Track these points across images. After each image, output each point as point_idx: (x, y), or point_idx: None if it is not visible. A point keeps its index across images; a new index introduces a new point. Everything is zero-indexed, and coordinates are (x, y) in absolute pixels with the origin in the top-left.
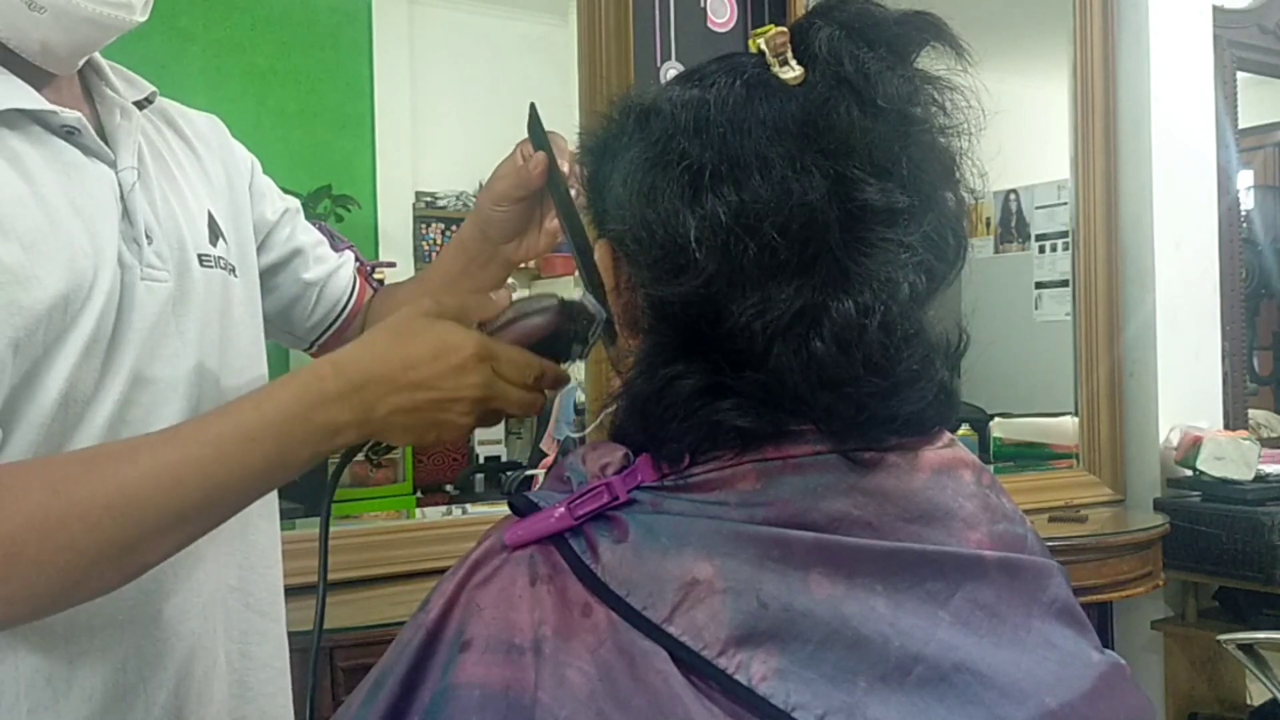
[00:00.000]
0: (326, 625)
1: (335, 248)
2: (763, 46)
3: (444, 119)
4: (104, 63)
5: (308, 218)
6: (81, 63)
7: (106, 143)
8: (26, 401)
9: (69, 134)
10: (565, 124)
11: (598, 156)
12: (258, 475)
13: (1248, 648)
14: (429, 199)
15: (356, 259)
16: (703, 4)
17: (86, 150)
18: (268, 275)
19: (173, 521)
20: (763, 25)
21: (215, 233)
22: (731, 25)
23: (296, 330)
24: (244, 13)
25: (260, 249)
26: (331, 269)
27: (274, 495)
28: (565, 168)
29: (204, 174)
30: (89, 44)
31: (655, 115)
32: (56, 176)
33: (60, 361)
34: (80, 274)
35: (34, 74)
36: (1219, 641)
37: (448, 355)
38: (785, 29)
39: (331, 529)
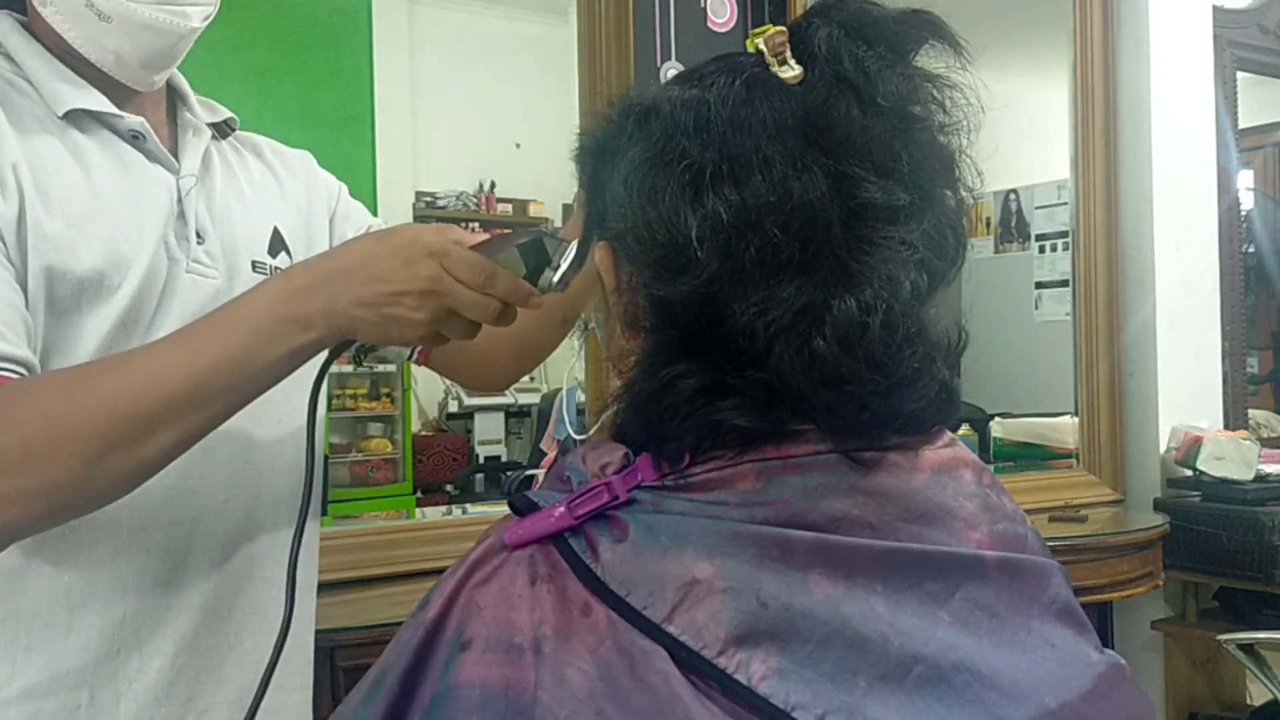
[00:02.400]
0: (326, 625)
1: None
2: (761, 46)
3: (444, 119)
4: (189, 91)
5: None
6: (160, 80)
7: (176, 155)
8: (61, 364)
9: (134, 138)
10: (565, 124)
11: (598, 157)
12: (236, 365)
13: (1248, 648)
14: (429, 199)
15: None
16: (703, 4)
17: (150, 155)
18: None
19: (165, 413)
20: (762, 25)
21: (278, 245)
22: (731, 25)
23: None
24: (244, 13)
25: None
26: None
27: (317, 488)
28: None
29: (281, 194)
30: (156, 53)
31: (655, 115)
32: (113, 170)
33: (93, 330)
34: (119, 255)
35: (120, 94)
36: (1219, 641)
37: (402, 249)
38: (784, 28)
39: (331, 529)
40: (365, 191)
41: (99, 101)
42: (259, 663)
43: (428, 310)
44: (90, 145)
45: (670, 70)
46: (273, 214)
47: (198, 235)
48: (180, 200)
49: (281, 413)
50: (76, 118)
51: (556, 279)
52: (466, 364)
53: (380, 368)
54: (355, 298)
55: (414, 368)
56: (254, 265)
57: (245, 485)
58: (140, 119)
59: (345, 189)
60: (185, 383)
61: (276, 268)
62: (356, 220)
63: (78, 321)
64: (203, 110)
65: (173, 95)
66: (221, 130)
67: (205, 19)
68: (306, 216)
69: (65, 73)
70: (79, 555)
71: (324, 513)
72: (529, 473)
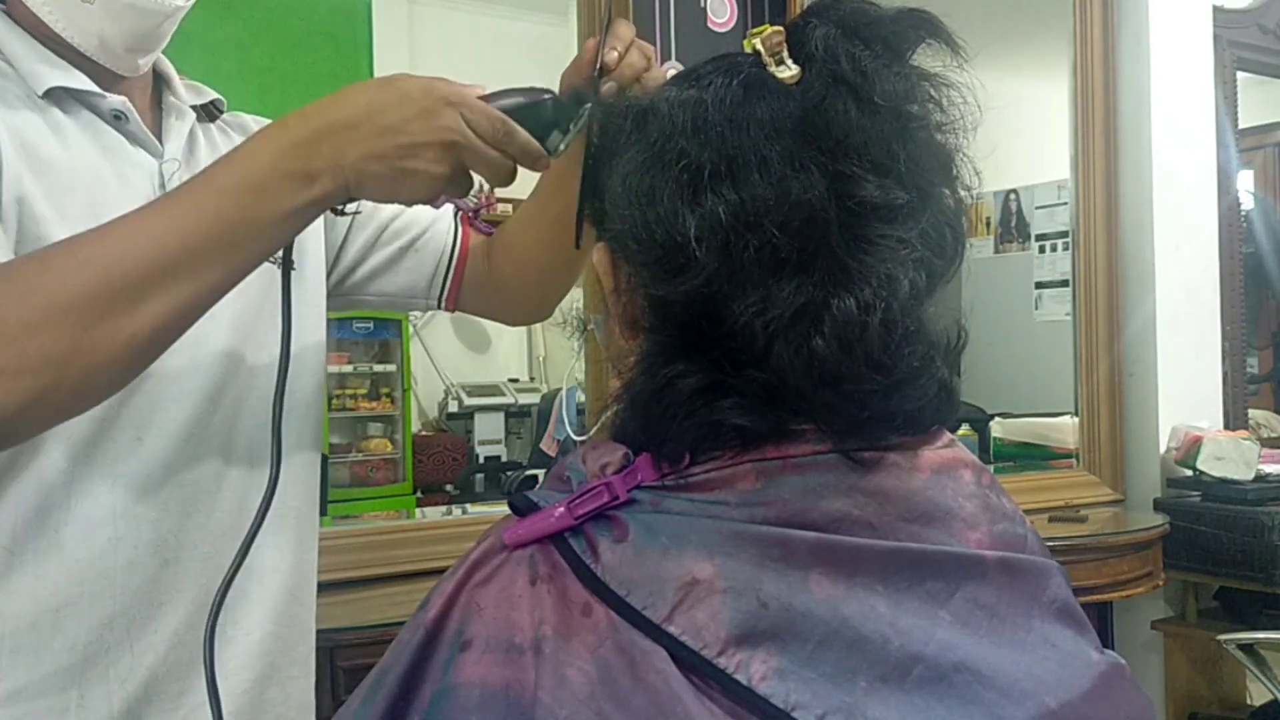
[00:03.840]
0: (326, 625)
1: (435, 204)
2: (759, 46)
3: None
4: (174, 75)
5: None
6: (145, 63)
7: (161, 140)
8: None
9: (116, 119)
10: None
11: (597, 158)
12: (233, 227)
13: (1248, 648)
14: None
15: (458, 208)
16: (703, 4)
17: (132, 138)
18: (365, 256)
19: (153, 277)
20: (762, 25)
21: None
22: (731, 25)
23: (419, 294)
24: (244, 13)
25: (347, 238)
26: (424, 226)
27: (315, 488)
28: (614, 59)
29: None
30: (140, 34)
31: (653, 116)
32: (92, 151)
33: None
34: None
35: (104, 79)
36: (1219, 641)
37: (417, 99)
38: (781, 29)
39: (331, 529)
40: None
41: (80, 80)
42: (251, 655)
43: (448, 163)
44: (71, 125)
45: (670, 70)
46: None
47: None
48: (164, 185)
49: (268, 394)
50: (57, 96)
51: (564, 145)
52: (501, 300)
53: (379, 367)
54: (366, 150)
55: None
56: None
57: (236, 473)
58: (123, 99)
59: None
60: (176, 246)
61: None
62: None
63: None
64: (187, 92)
65: (158, 81)
66: (209, 113)
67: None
68: None
69: (47, 55)
70: (65, 553)
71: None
72: (529, 473)
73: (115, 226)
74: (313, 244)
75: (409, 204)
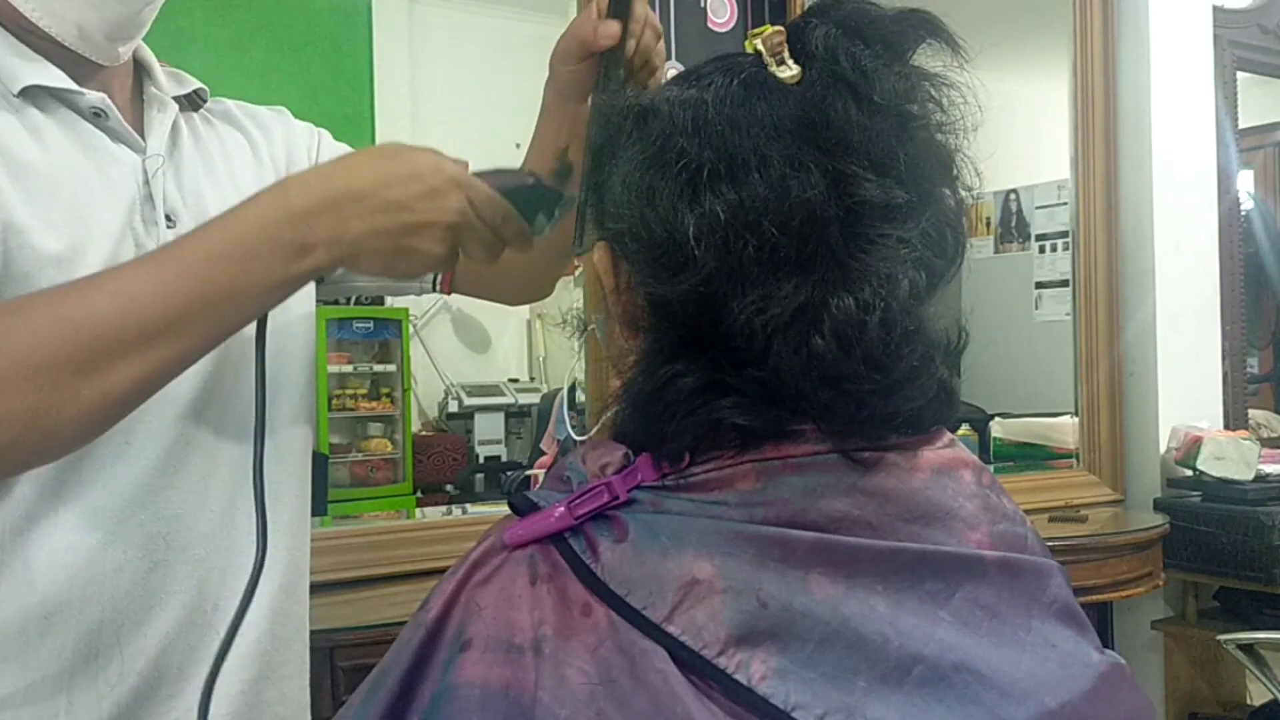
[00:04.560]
0: (326, 625)
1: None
2: (759, 47)
3: (444, 119)
4: (155, 64)
5: None
6: (125, 52)
7: (143, 134)
8: None
9: (96, 116)
10: None
11: (596, 157)
12: (218, 293)
13: (1248, 648)
14: None
15: None
16: (703, 4)
17: (113, 134)
18: None
19: (129, 341)
20: (763, 25)
21: None
22: (731, 25)
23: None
24: (244, 13)
25: None
26: None
27: (307, 483)
28: (631, 47)
29: (256, 160)
30: (120, 21)
31: (653, 115)
32: (72, 152)
33: None
34: (73, 239)
35: (84, 70)
36: (1219, 641)
37: (426, 177)
38: (781, 29)
39: (331, 529)
40: None
41: (57, 77)
42: (247, 655)
43: (447, 244)
44: (49, 125)
45: (670, 70)
46: (246, 185)
47: (168, 219)
48: (147, 182)
49: (283, 386)
50: (34, 95)
51: (548, 229)
52: (497, 280)
53: (380, 367)
54: (370, 227)
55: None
56: None
57: (225, 473)
58: (102, 95)
59: (326, 134)
60: (158, 311)
61: None
62: None
63: None
64: (169, 82)
65: (139, 71)
66: (192, 102)
67: None
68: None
69: (20, 49)
70: (52, 559)
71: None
72: (529, 473)
73: (98, 284)
74: None
75: (398, 279)
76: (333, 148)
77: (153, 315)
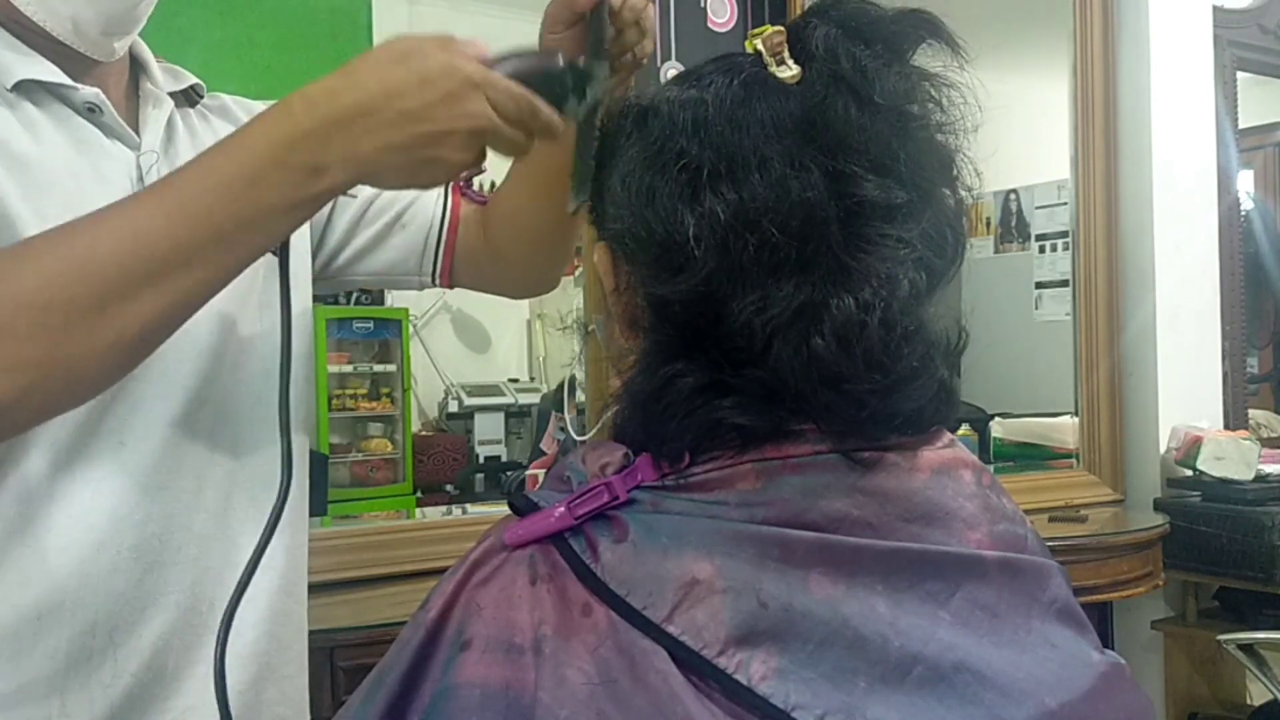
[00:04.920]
0: (326, 625)
1: None
2: (760, 47)
3: None
4: (151, 60)
5: None
6: (121, 47)
7: (138, 130)
8: None
9: (90, 111)
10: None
11: (596, 158)
12: (229, 223)
13: (1248, 648)
14: None
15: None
16: (703, 4)
17: (108, 130)
18: (351, 236)
19: (140, 277)
20: (763, 25)
21: None
22: (731, 25)
23: (410, 271)
24: (244, 13)
25: (330, 219)
26: (411, 198)
27: (305, 479)
28: (617, 3)
29: None
30: (116, 16)
31: (653, 115)
32: (66, 147)
33: None
34: None
35: (79, 65)
36: (1219, 641)
37: (439, 81)
38: (782, 29)
39: (331, 529)
40: None
41: (51, 72)
42: (246, 655)
43: (473, 150)
44: (43, 120)
45: (670, 70)
46: None
47: None
48: (142, 179)
49: (254, 390)
50: (28, 90)
51: (575, 111)
52: (498, 271)
53: (379, 367)
54: (385, 141)
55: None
56: None
57: (220, 473)
58: (96, 90)
59: None
60: (166, 243)
61: None
62: None
63: None
64: (165, 78)
65: (134, 67)
66: (189, 98)
67: None
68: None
69: (14, 43)
70: (46, 559)
71: (324, 512)
72: (528, 473)
73: (100, 220)
74: (301, 234)
75: (424, 189)
76: None
77: (163, 247)
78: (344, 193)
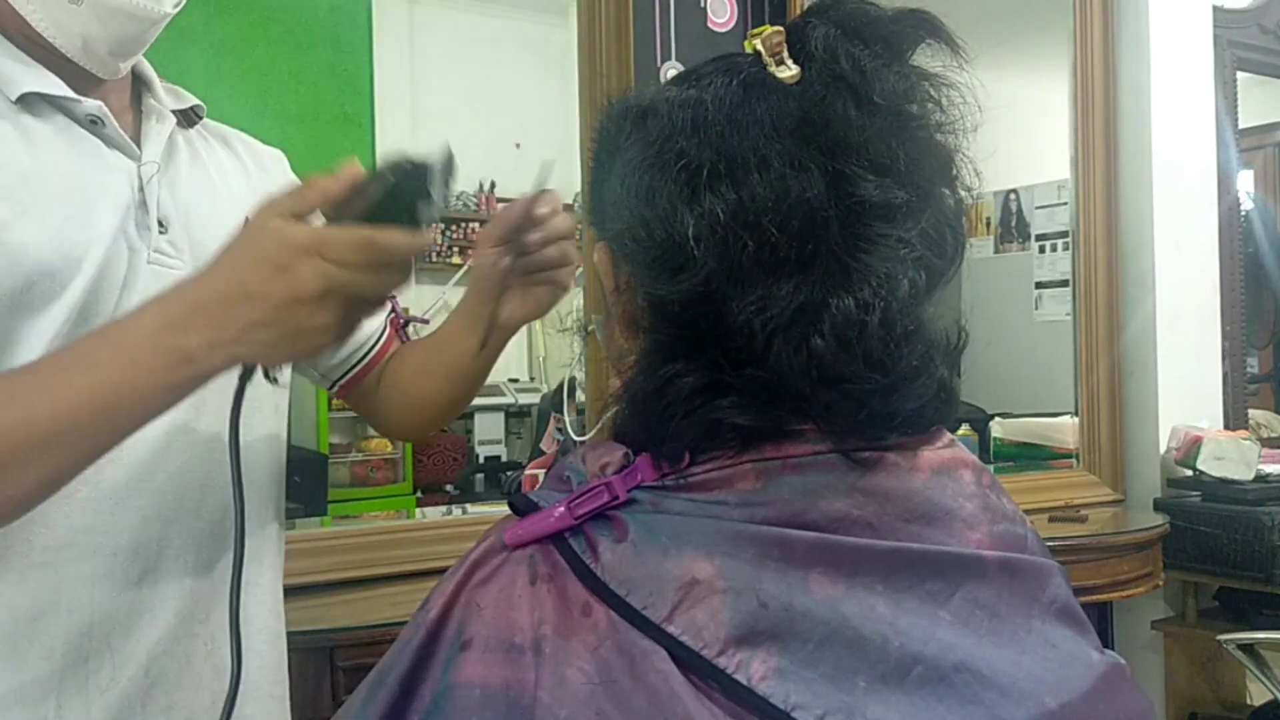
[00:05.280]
0: (326, 625)
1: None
2: (759, 47)
3: (444, 119)
4: (154, 78)
5: None
6: (126, 67)
7: (139, 143)
8: (15, 361)
9: (92, 124)
10: (565, 124)
11: (596, 158)
12: (105, 403)
13: (1248, 648)
14: None
15: (393, 309)
16: (703, 4)
17: (109, 141)
18: None
19: (25, 450)
20: (762, 25)
21: None
22: (731, 25)
23: (318, 367)
24: (244, 13)
25: None
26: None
27: (280, 493)
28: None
29: (251, 188)
30: (126, 38)
31: (652, 116)
32: (65, 156)
33: (48, 323)
34: (71, 245)
35: (83, 81)
36: (1219, 641)
37: (272, 255)
38: (781, 29)
39: (331, 529)
40: None
41: (55, 85)
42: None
43: (330, 310)
44: (43, 130)
45: (670, 70)
46: (244, 205)
47: (160, 224)
48: (141, 188)
49: (255, 400)
50: (31, 102)
51: (435, 211)
52: (391, 410)
53: None
54: (246, 322)
55: None
56: None
57: (220, 480)
58: (99, 103)
59: None
60: (46, 421)
61: None
62: None
63: (30, 316)
64: (168, 96)
65: (137, 83)
66: (188, 118)
67: (177, 5)
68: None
69: (20, 56)
70: (42, 561)
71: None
72: (527, 473)
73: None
74: None
75: (313, 356)
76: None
77: (41, 425)
78: (223, 373)
